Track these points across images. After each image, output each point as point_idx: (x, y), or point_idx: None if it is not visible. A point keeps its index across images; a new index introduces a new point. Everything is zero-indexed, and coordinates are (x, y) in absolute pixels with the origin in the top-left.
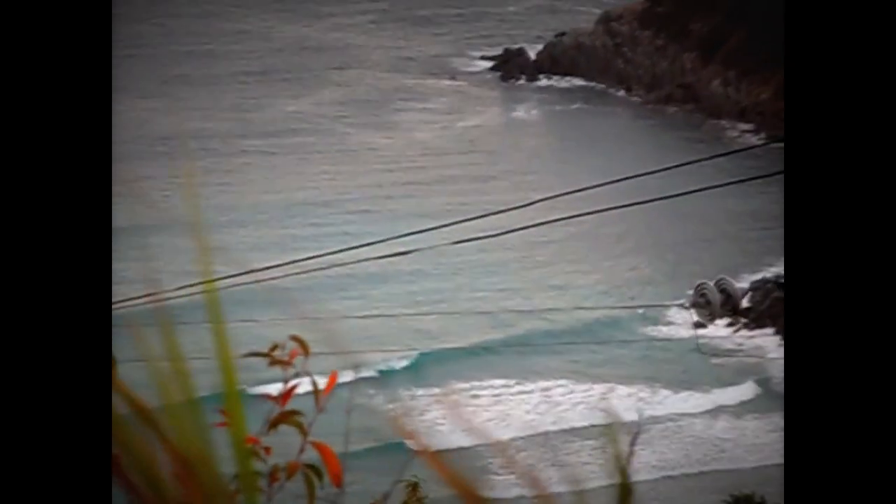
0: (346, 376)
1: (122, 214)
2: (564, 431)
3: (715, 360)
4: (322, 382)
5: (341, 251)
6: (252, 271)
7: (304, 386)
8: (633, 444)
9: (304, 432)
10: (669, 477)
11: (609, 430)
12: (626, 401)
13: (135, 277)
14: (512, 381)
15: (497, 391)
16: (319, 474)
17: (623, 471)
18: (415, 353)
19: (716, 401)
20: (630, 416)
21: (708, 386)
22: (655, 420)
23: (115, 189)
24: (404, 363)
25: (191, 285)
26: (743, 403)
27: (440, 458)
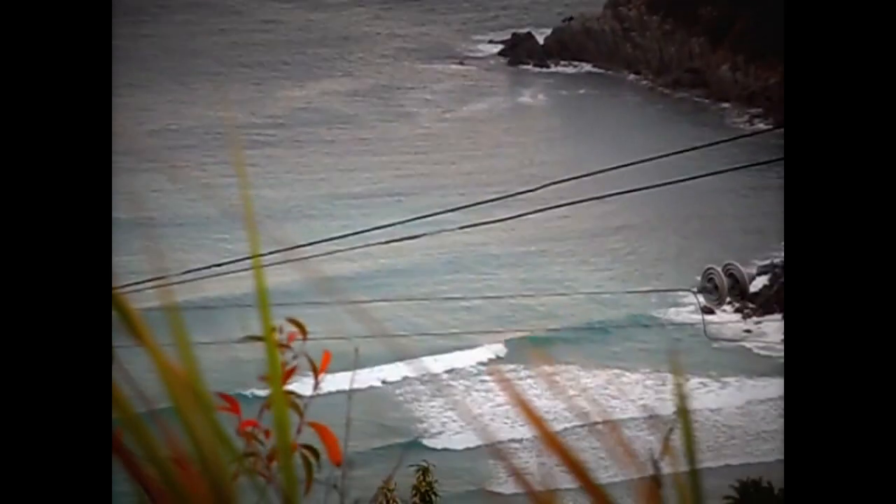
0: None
1: (124, 208)
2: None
3: (716, 345)
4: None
5: (343, 237)
6: (247, 258)
7: (335, 384)
8: (667, 437)
9: (299, 413)
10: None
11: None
12: (636, 388)
13: (139, 270)
14: (520, 367)
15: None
16: (316, 454)
17: (656, 464)
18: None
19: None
20: (662, 408)
21: (715, 372)
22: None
23: (118, 184)
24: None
25: (223, 263)
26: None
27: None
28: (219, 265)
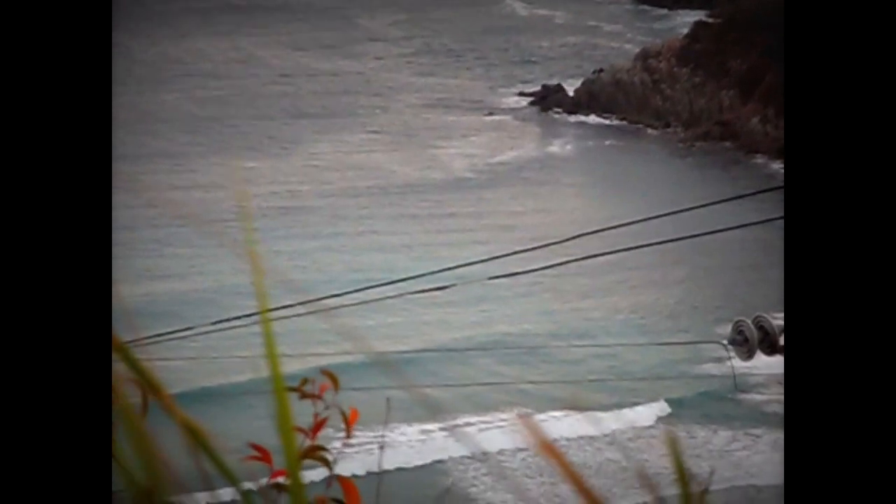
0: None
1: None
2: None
3: (746, 397)
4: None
5: (369, 288)
6: (290, 305)
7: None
8: (702, 497)
9: (329, 467)
10: None
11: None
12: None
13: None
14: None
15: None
16: None
17: None
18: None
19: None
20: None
21: (743, 424)
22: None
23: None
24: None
25: (245, 315)
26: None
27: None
28: (272, 310)
